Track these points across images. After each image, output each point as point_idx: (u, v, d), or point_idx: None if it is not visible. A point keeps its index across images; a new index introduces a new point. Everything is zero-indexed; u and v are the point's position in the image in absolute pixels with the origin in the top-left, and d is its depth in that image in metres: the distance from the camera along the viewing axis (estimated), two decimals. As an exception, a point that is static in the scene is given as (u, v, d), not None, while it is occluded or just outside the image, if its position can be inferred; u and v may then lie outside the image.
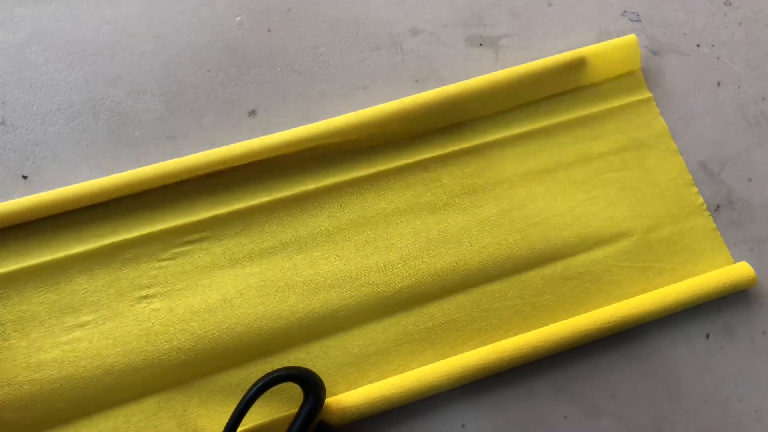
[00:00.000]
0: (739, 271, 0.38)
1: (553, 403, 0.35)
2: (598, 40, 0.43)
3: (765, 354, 0.37)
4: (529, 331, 0.36)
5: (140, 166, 0.37)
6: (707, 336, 0.37)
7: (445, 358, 0.35)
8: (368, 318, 0.36)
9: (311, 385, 0.32)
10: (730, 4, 0.45)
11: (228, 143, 0.38)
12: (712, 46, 0.43)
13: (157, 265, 0.35)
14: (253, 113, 0.39)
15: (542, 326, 0.36)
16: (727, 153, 0.41)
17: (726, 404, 0.36)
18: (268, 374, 0.32)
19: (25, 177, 0.37)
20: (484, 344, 0.36)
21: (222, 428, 0.32)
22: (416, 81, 0.41)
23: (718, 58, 0.43)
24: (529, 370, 0.35)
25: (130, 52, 0.40)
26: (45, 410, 0.32)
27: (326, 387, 0.33)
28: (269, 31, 0.41)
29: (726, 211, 0.40)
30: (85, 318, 0.34)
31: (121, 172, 0.37)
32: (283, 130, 0.38)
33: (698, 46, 0.43)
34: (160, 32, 0.40)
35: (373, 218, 0.37)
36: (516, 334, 0.36)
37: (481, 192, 0.38)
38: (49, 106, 0.38)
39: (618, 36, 0.43)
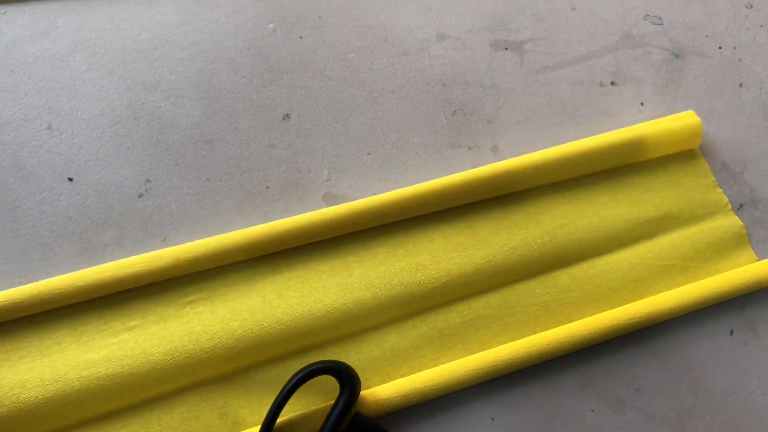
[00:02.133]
0: (763, 268, 0.38)
1: (580, 397, 0.36)
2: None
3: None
4: (555, 327, 0.37)
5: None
6: (731, 332, 0.38)
7: (474, 353, 0.36)
8: (400, 315, 0.37)
9: (347, 378, 0.33)
10: (752, 6, 0.45)
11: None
12: (734, 48, 0.44)
13: (200, 274, 0.37)
14: (286, 117, 0.41)
15: (568, 322, 0.37)
16: (749, 153, 0.42)
17: (749, 398, 0.37)
18: (305, 367, 0.33)
19: (70, 179, 0.38)
20: (512, 340, 0.37)
21: (261, 419, 0.33)
22: (444, 85, 0.42)
23: (740, 60, 0.44)
24: (555, 364, 0.36)
25: (168, 59, 0.41)
26: (92, 403, 0.34)
27: (361, 380, 0.34)
28: (301, 37, 0.42)
29: (749, 209, 0.41)
30: (132, 323, 0.36)
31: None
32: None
33: (720, 48, 0.44)
34: (196, 39, 0.42)
35: (405, 223, 0.39)
36: (543, 330, 0.37)
37: (509, 197, 0.40)
38: (92, 111, 0.40)
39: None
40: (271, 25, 0.42)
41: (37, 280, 0.36)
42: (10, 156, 0.38)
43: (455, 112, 0.41)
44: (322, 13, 0.43)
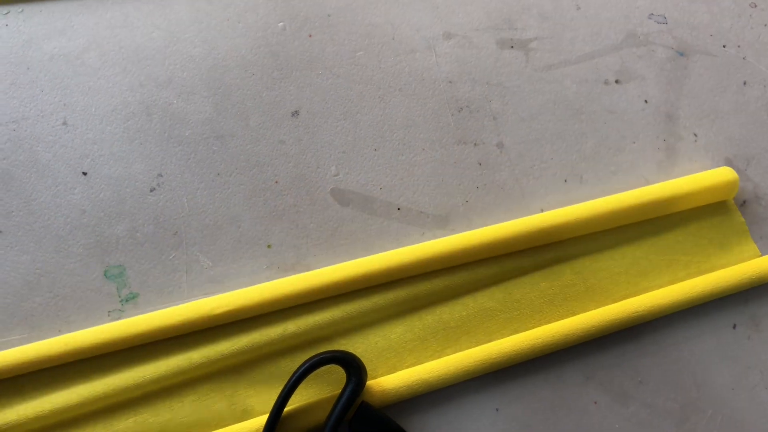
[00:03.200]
0: (766, 263, 0.39)
1: (583, 389, 0.37)
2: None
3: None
4: (559, 319, 0.37)
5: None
6: (734, 326, 0.38)
7: (479, 345, 0.37)
8: (406, 309, 0.38)
9: (354, 367, 0.34)
10: (756, 6, 0.46)
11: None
12: (738, 47, 0.45)
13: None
14: (295, 114, 0.41)
15: (572, 315, 0.38)
16: (753, 150, 0.42)
17: (753, 392, 0.37)
18: (313, 357, 0.34)
19: (84, 173, 0.39)
20: (517, 332, 0.37)
21: (270, 408, 0.34)
22: (450, 82, 0.43)
23: (744, 58, 0.44)
24: (560, 357, 0.37)
25: (180, 57, 0.42)
26: (103, 392, 0.35)
27: (367, 370, 0.35)
28: (310, 36, 0.43)
29: (752, 206, 0.41)
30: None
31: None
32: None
33: (724, 47, 0.45)
34: (207, 37, 0.43)
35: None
36: (547, 322, 0.38)
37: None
38: (105, 108, 0.40)
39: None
40: (281, 23, 0.43)
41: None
42: (27, 150, 0.39)
43: (461, 109, 0.42)
44: (331, 12, 0.44)
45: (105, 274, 0.37)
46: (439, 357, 0.37)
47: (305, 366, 0.34)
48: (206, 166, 0.40)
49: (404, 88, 0.42)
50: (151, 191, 0.39)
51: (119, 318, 0.37)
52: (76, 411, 0.34)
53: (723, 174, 0.40)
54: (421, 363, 0.36)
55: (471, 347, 0.37)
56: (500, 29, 0.44)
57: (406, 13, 0.44)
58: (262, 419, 0.34)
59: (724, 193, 0.40)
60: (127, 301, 0.37)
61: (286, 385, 0.33)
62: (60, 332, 0.36)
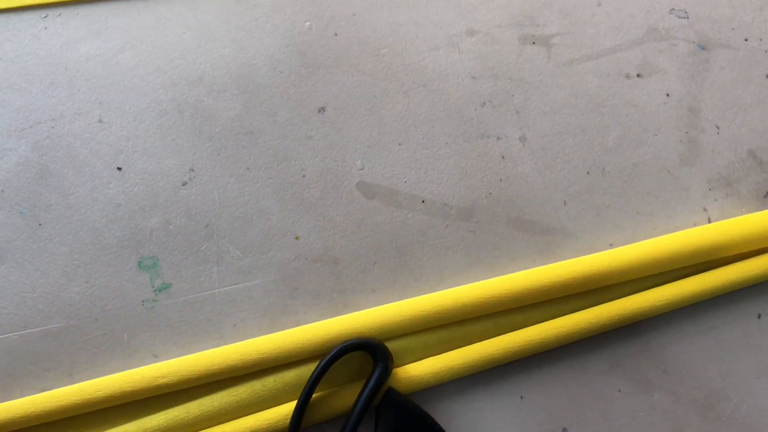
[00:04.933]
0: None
1: (607, 378, 0.37)
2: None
3: (817, 334, 0.38)
4: (584, 308, 0.38)
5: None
6: (759, 316, 0.38)
7: (505, 332, 0.37)
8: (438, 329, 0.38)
9: (380, 354, 0.35)
10: (778, -1, 0.46)
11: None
12: (760, 40, 0.45)
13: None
14: (322, 110, 0.42)
15: (597, 304, 0.38)
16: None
17: (778, 381, 0.37)
18: (340, 344, 0.35)
19: (119, 168, 0.40)
20: (542, 320, 0.38)
21: (299, 393, 0.35)
22: (473, 78, 0.43)
23: (766, 51, 0.45)
24: (584, 345, 0.37)
25: (210, 56, 0.43)
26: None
27: (393, 357, 0.36)
28: (336, 34, 0.44)
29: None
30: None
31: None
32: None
33: (746, 40, 0.45)
34: (236, 37, 0.44)
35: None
36: (572, 311, 0.38)
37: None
38: (139, 105, 0.42)
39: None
40: (308, 23, 0.45)
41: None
42: (64, 147, 0.41)
43: (484, 103, 0.43)
44: (356, 11, 0.45)
45: (139, 265, 0.39)
46: (466, 345, 0.37)
47: (334, 352, 0.34)
48: (236, 160, 0.41)
49: (428, 84, 0.43)
50: (183, 185, 0.40)
51: (152, 308, 0.38)
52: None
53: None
54: (447, 351, 0.37)
55: (497, 334, 0.37)
56: (522, 26, 0.45)
57: (429, 11, 0.45)
58: (292, 405, 0.35)
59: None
60: (160, 291, 0.38)
61: (314, 372, 0.34)
62: (96, 321, 0.37)
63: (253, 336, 0.37)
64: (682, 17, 0.46)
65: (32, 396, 0.35)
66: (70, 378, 0.37)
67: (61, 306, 0.38)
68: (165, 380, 0.35)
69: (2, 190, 0.40)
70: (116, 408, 0.35)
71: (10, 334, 0.37)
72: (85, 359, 0.37)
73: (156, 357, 0.37)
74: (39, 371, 0.37)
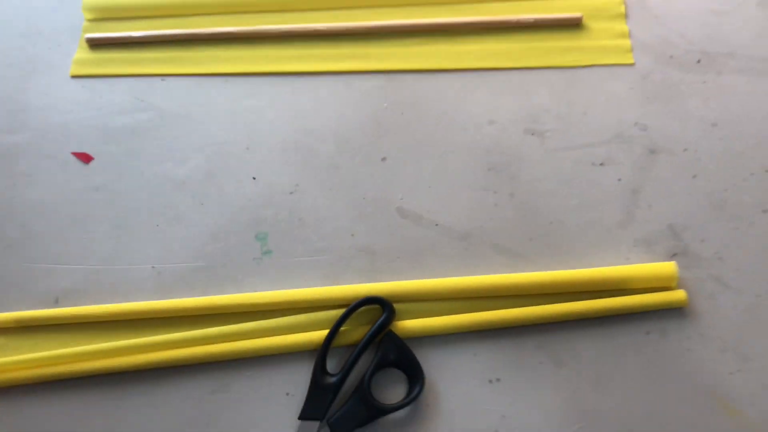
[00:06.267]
0: (677, 295, 0.57)
1: (535, 352, 0.56)
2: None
3: (685, 351, 0.55)
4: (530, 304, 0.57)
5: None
6: (647, 332, 0.56)
7: (473, 311, 0.57)
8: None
9: (387, 307, 0.56)
10: (716, 125, 0.65)
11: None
12: (696, 151, 0.64)
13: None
14: (384, 159, 0.66)
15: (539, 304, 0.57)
16: (690, 222, 0.60)
17: (668, 382, 0.55)
18: (364, 297, 0.56)
19: (254, 178, 0.65)
20: (501, 308, 0.57)
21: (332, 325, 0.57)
22: (487, 151, 0.65)
23: (698, 159, 0.63)
24: (524, 329, 0.57)
25: (321, 117, 0.68)
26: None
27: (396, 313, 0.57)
28: (402, 113, 0.68)
29: (681, 258, 0.59)
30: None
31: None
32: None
33: (685, 150, 0.64)
34: (339, 108, 0.69)
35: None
36: (522, 305, 0.57)
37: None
38: (273, 142, 0.67)
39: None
40: (385, 104, 0.68)
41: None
42: (223, 161, 0.66)
43: (490, 169, 0.64)
44: (417, 101, 0.68)
45: (256, 237, 0.63)
46: (446, 315, 0.58)
47: (358, 302, 0.56)
48: (325, 183, 0.65)
49: (456, 152, 0.65)
50: (290, 193, 0.64)
51: (259, 264, 0.61)
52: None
53: (668, 267, 0.58)
54: (433, 317, 0.58)
55: (467, 312, 0.57)
56: (527, 122, 0.66)
57: (465, 105, 0.68)
58: (326, 332, 0.56)
59: (667, 280, 0.58)
60: (265, 254, 0.62)
61: (344, 312, 0.56)
62: (225, 266, 0.61)
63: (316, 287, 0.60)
64: (642, 129, 0.65)
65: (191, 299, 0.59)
66: (205, 294, 0.60)
67: (207, 254, 0.62)
68: (256, 301, 0.58)
69: (184, 182, 0.66)
70: (227, 315, 0.59)
71: (178, 264, 0.62)
72: (215, 287, 0.61)
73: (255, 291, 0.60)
74: (187, 290, 0.61)
